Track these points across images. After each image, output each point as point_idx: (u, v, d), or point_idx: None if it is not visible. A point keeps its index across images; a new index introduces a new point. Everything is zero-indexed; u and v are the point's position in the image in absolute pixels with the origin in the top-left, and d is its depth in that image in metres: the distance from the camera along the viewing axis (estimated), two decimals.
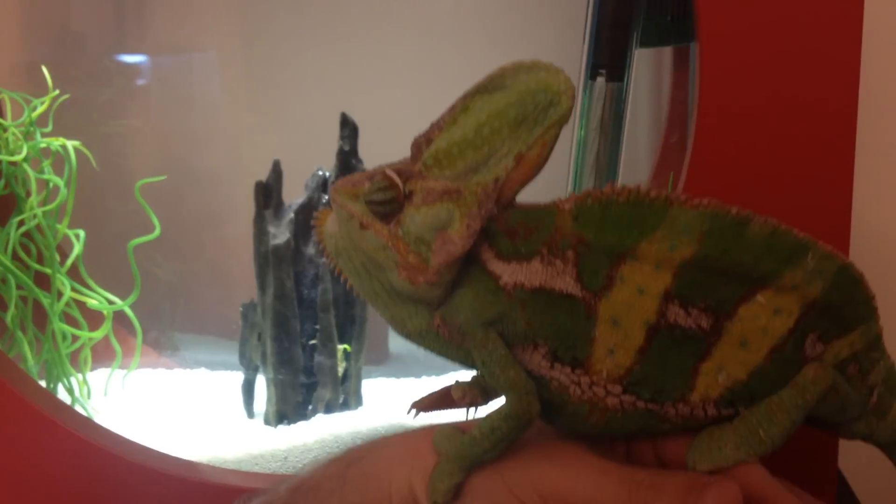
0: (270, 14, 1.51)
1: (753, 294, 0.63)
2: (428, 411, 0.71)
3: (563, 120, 0.61)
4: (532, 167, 0.62)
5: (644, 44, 1.23)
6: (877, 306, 0.67)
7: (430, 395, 0.71)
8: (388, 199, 0.62)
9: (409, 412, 0.71)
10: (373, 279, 0.65)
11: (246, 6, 1.53)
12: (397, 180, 0.62)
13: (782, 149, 1.02)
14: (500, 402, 0.64)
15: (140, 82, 1.54)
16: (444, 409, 0.70)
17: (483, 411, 0.65)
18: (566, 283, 0.63)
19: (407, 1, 1.49)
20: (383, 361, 1.50)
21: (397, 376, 1.43)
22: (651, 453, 0.67)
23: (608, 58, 1.24)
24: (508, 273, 0.63)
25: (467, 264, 0.64)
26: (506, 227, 0.63)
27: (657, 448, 0.67)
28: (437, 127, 0.63)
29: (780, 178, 1.02)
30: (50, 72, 1.31)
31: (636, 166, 1.38)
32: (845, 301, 0.65)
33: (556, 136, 0.62)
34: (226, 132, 1.56)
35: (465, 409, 0.69)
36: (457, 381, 0.68)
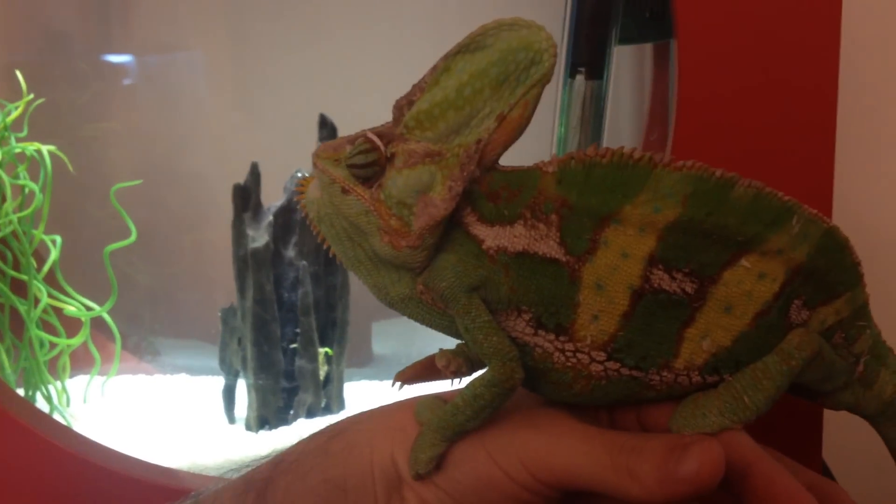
0: (255, 14, 1.50)
1: (738, 258, 0.62)
2: (412, 383, 0.70)
3: (546, 78, 0.61)
4: (515, 128, 0.62)
5: (623, 41, 1.23)
6: (863, 273, 0.67)
7: (414, 365, 0.70)
8: (370, 161, 0.61)
9: (392, 385, 0.70)
10: (355, 245, 0.64)
11: (232, 6, 1.53)
12: (379, 143, 0.61)
13: (762, 146, 1.02)
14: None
15: (126, 82, 1.53)
16: (428, 379, 0.69)
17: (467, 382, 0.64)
18: (549, 246, 0.62)
19: (385, 3, 1.48)
20: (367, 363, 1.48)
21: (381, 378, 1.42)
22: (634, 421, 0.67)
23: (587, 56, 1.24)
24: (491, 237, 0.62)
25: (450, 228, 0.63)
26: (488, 189, 0.63)
27: (641, 416, 0.66)
28: (419, 88, 0.62)
29: (760, 176, 1.02)
30: (32, 74, 1.30)
31: None
32: (831, 266, 0.64)
33: (539, 96, 0.61)
34: (207, 134, 1.54)
35: (450, 381, 0.68)
36: (441, 350, 0.67)
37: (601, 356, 0.62)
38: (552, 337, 0.62)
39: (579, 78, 1.26)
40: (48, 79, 1.41)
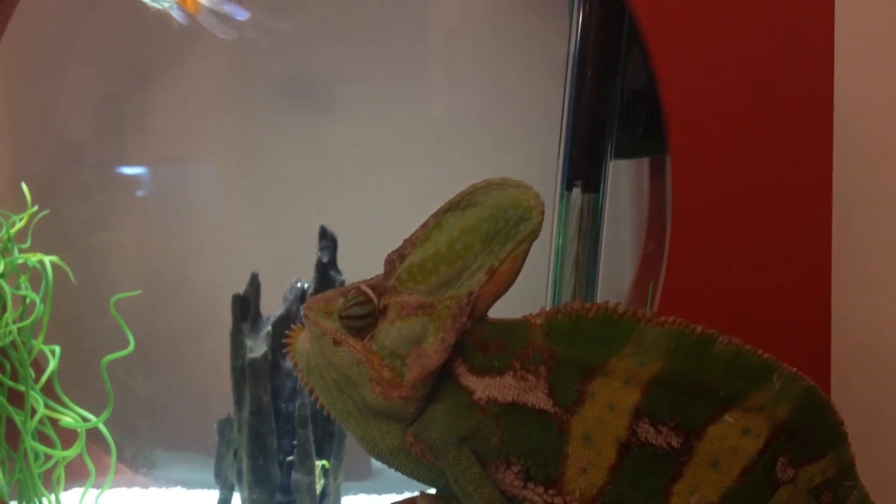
0: (266, 129, 1.54)
1: (722, 413, 0.64)
2: None
3: (534, 234, 0.63)
4: (504, 281, 0.63)
5: (619, 155, 1.25)
6: (847, 433, 0.67)
7: None
8: (365, 313, 0.63)
9: None
10: (345, 397, 0.65)
11: (244, 121, 1.56)
12: (372, 295, 0.63)
13: (757, 256, 1.04)
14: None
15: (139, 193, 1.56)
16: None
17: None
18: (538, 398, 0.63)
19: (385, 112, 1.51)
20: (365, 477, 1.47)
21: (378, 492, 1.40)
22: None
23: (583, 169, 1.25)
24: (482, 387, 0.63)
25: (440, 379, 0.64)
26: (479, 340, 0.64)
27: None
28: (411, 243, 0.64)
29: (756, 284, 1.03)
30: (45, 185, 1.32)
31: (621, 275, 1.39)
32: (814, 424, 0.65)
33: (528, 251, 0.63)
34: (210, 244, 1.57)
35: None
36: (422, 493, 0.67)
37: None
38: (541, 490, 0.63)
39: (576, 191, 1.27)
40: (59, 190, 1.43)
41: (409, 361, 0.62)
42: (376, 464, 1.47)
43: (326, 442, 1.30)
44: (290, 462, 1.26)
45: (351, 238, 1.31)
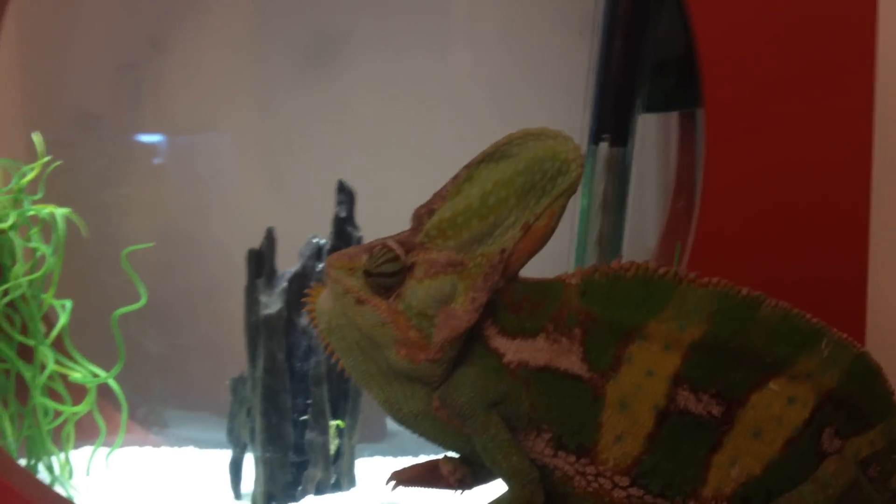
0: (282, 91, 1.52)
1: (766, 380, 0.60)
2: (409, 486, 0.67)
3: (572, 189, 0.59)
4: (539, 238, 0.60)
5: (649, 109, 1.20)
6: None
7: (415, 466, 0.67)
8: (394, 271, 0.59)
9: (387, 482, 0.67)
10: (367, 358, 0.62)
11: (259, 87, 1.55)
12: (400, 252, 0.59)
13: (793, 215, 1.00)
14: (494, 489, 0.60)
15: (156, 161, 1.57)
16: (427, 485, 0.66)
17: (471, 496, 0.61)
18: (572, 362, 0.60)
19: (405, 72, 1.48)
20: (380, 438, 1.44)
21: (394, 455, 1.37)
22: None
23: (611, 123, 1.21)
24: (513, 350, 0.60)
25: (469, 341, 0.60)
26: (511, 301, 0.61)
27: None
28: (440, 197, 0.60)
29: (791, 245, 0.99)
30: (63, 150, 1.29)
31: (643, 234, 1.35)
32: (863, 393, 0.62)
33: (565, 206, 0.60)
34: (224, 201, 1.55)
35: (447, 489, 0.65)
36: (446, 456, 0.64)
37: (624, 481, 0.60)
38: (573, 459, 0.60)
39: (603, 145, 1.23)
40: (76, 158, 1.43)
41: (436, 322, 0.59)
42: (392, 425, 1.46)
43: (341, 401, 1.28)
44: (304, 421, 1.24)
45: (369, 195, 1.28)
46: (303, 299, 0.66)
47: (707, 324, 0.59)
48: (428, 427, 0.63)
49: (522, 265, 0.61)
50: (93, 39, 1.53)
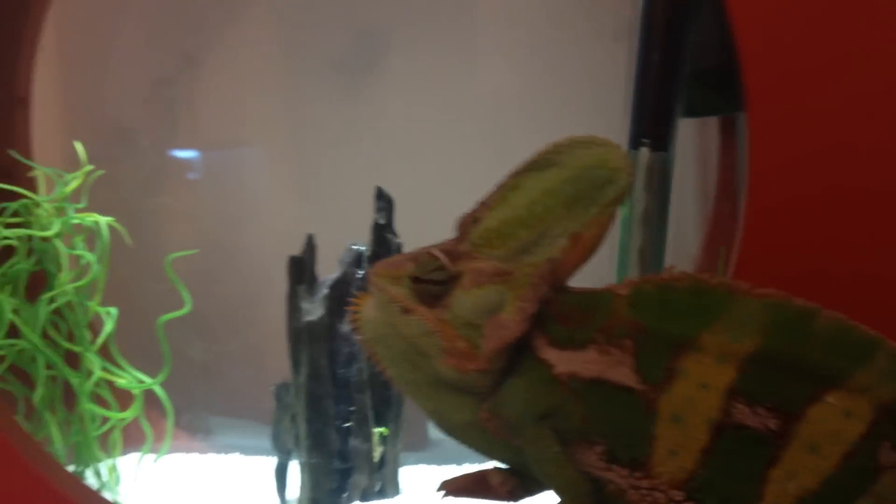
0: (312, 98, 1.54)
1: (822, 394, 0.59)
2: (458, 496, 0.66)
3: (622, 198, 0.58)
4: (588, 248, 0.59)
5: (689, 114, 1.19)
6: None
7: (464, 476, 0.67)
8: (442, 279, 0.59)
9: (437, 491, 0.66)
10: (414, 368, 0.61)
11: (293, 101, 1.56)
12: (446, 261, 0.59)
13: (844, 217, 0.97)
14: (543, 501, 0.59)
15: (191, 176, 1.59)
16: (476, 496, 0.66)
17: None
18: (624, 374, 0.59)
19: (438, 80, 1.49)
20: (423, 447, 1.44)
21: (438, 463, 1.37)
22: None
23: (652, 127, 1.20)
24: (563, 362, 0.59)
25: (518, 352, 0.60)
26: (559, 311, 0.60)
27: None
28: (485, 206, 0.60)
29: (843, 250, 0.97)
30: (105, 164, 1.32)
31: (685, 240, 1.33)
32: None
33: (614, 215, 0.59)
34: (262, 211, 1.57)
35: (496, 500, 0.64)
36: (496, 467, 0.64)
37: (679, 496, 0.59)
38: (626, 472, 0.59)
39: (643, 150, 1.22)
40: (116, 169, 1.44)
41: (485, 332, 0.58)
42: (434, 434, 1.46)
43: (385, 408, 1.28)
44: (348, 428, 1.24)
45: (404, 203, 1.28)
46: (347, 307, 0.66)
47: (762, 336, 0.58)
48: (476, 438, 0.62)
49: (571, 275, 0.60)
50: (129, 55, 1.56)
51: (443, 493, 0.67)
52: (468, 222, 0.60)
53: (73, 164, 1.29)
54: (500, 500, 0.64)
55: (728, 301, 0.58)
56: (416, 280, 0.59)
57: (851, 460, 0.58)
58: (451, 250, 0.60)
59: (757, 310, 0.58)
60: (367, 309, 0.62)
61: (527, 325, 0.59)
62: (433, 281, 0.59)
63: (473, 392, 0.60)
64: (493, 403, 0.60)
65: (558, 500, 0.59)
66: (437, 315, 0.59)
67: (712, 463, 0.58)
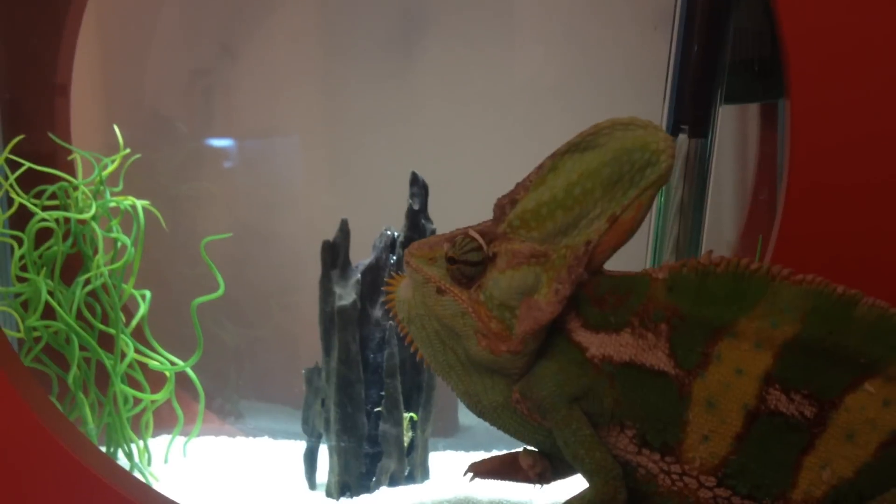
0: (347, 86, 1.54)
1: (861, 382, 0.58)
2: (487, 477, 0.66)
3: (662, 180, 0.57)
4: (626, 230, 0.58)
5: (729, 100, 1.17)
6: None
7: (493, 458, 0.66)
8: (478, 260, 0.58)
9: (465, 474, 0.66)
10: (447, 349, 0.61)
11: (328, 89, 1.57)
12: (482, 242, 0.58)
13: (885, 206, 0.96)
14: (573, 484, 0.59)
15: (227, 165, 1.60)
16: (505, 477, 0.66)
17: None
18: (658, 358, 0.58)
19: (475, 67, 1.48)
20: (452, 433, 1.44)
21: (466, 449, 1.37)
22: None
23: (691, 113, 1.18)
24: (596, 344, 0.59)
25: (551, 334, 0.59)
26: (595, 294, 0.59)
27: None
28: (524, 187, 0.59)
29: (884, 239, 0.96)
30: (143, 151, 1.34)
31: (721, 227, 1.32)
32: None
33: (653, 198, 0.58)
34: (296, 196, 1.58)
35: (525, 483, 0.64)
36: (526, 449, 0.63)
37: (711, 481, 0.58)
38: (657, 457, 0.58)
39: (682, 136, 1.20)
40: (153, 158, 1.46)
41: (519, 314, 0.58)
42: (464, 420, 1.45)
43: (415, 394, 1.27)
44: (378, 413, 1.24)
45: (439, 190, 1.28)
46: (383, 288, 0.66)
47: (801, 322, 0.57)
48: (507, 420, 0.62)
49: (607, 258, 0.59)
50: (167, 45, 1.57)
51: (471, 475, 0.66)
52: (505, 204, 0.60)
53: (111, 151, 1.30)
54: (529, 482, 0.64)
55: (767, 287, 0.58)
56: (451, 261, 0.59)
57: (889, 449, 0.58)
58: (488, 231, 0.60)
59: (796, 296, 0.58)
60: (402, 289, 0.62)
61: (561, 307, 0.58)
62: (469, 262, 0.59)
63: (506, 374, 0.60)
64: (525, 385, 0.60)
65: (587, 483, 0.58)
66: (471, 296, 0.59)
67: (745, 449, 0.58)
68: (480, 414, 0.63)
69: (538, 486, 0.64)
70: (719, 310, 0.58)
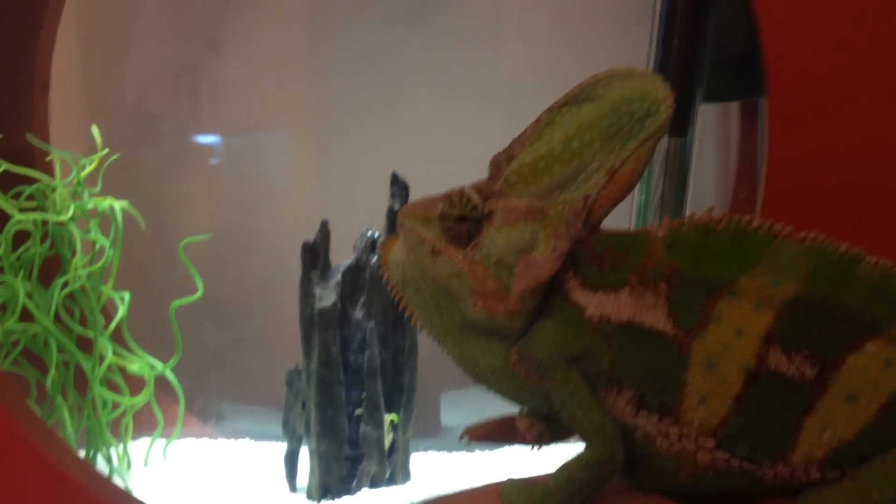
0: (331, 85, 1.53)
1: (863, 342, 0.57)
2: (483, 441, 0.65)
3: (662, 131, 0.57)
4: (625, 184, 0.58)
5: (709, 98, 1.19)
6: None
7: (489, 422, 0.65)
8: (474, 218, 0.57)
9: (460, 439, 0.65)
10: (442, 312, 0.60)
11: (315, 86, 1.56)
12: (478, 199, 0.58)
13: (860, 206, 0.97)
14: (571, 448, 0.58)
15: (213, 161, 1.58)
16: (502, 441, 0.64)
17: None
18: (657, 318, 0.57)
19: (462, 67, 1.48)
20: (434, 434, 1.43)
21: (449, 450, 1.36)
22: None
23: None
24: (594, 304, 0.58)
25: (549, 293, 0.58)
26: (593, 252, 0.58)
27: None
28: (520, 143, 0.59)
29: (859, 238, 0.96)
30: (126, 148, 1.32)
31: None
32: None
33: (653, 150, 0.57)
34: (277, 197, 1.56)
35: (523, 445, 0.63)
36: (522, 411, 0.62)
37: (709, 443, 0.57)
38: (655, 418, 0.57)
39: None
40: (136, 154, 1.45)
41: (516, 272, 0.57)
42: (446, 421, 1.44)
43: (396, 395, 1.26)
44: (359, 415, 1.23)
45: (421, 190, 1.27)
46: (376, 250, 0.65)
47: (802, 281, 0.57)
48: (504, 383, 0.61)
49: (606, 213, 0.59)
50: (152, 39, 1.55)
51: (466, 439, 0.65)
52: (502, 160, 0.59)
53: (93, 149, 1.29)
54: (525, 444, 0.63)
55: (768, 245, 0.57)
56: (446, 219, 0.58)
57: (890, 409, 0.57)
58: (484, 188, 0.59)
59: (798, 254, 0.57)
60: (396, 251, 0.61)
61: (559, 264, 0.57)
62: (464, 219, 0.58)
63: (503, 335, 0.59)
64: (523, 346, 0.59)
65: (585, 445, 0.57)
66: (467, 256, 0.58)
67: (745, 410, 0.57)
68: (478, 378, 0.62)
69: (535, 448, 0.63)
70: (719, 268, 0.57)
